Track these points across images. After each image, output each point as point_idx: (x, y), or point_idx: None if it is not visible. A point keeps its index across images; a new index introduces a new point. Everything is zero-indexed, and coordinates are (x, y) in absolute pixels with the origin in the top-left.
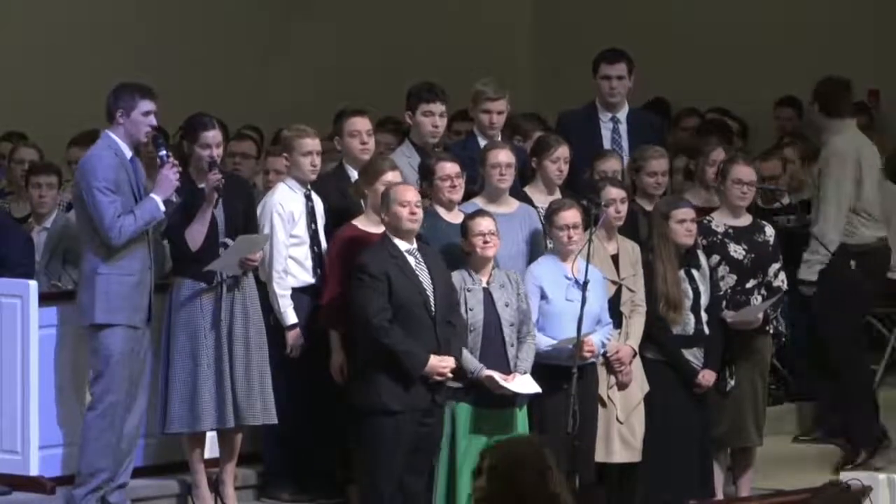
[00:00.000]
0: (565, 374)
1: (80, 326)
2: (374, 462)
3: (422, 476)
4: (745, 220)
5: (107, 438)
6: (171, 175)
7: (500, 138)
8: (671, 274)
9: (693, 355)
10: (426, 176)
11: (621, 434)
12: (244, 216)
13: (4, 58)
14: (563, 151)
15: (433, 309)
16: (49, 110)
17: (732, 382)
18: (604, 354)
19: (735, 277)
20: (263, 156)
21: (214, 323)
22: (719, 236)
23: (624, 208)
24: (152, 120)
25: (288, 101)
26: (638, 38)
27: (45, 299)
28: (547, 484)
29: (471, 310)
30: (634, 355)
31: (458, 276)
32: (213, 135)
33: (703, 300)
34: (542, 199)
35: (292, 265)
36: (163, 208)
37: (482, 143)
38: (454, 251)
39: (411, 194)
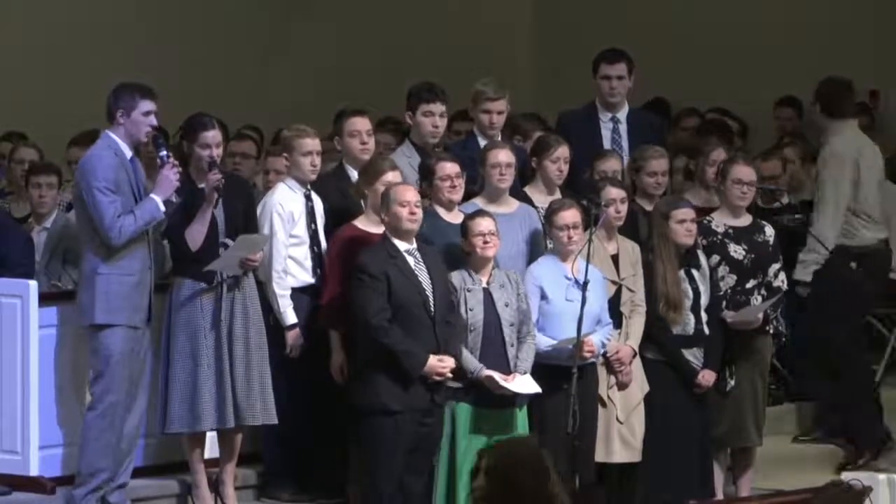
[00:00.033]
0: (565, 374)
1: (80, 326)
2: (374, 462)
3: (422, 476)
4: (745, 220)
5: (107, 438)
6: (171, 175)
7: (500, 138)
8: (671, 274)
9: (693, 355)
10: (426, 176)
11: (621, 434)
12: (244, 216)
13: (4, 58)
14: (563, 151)
15: (432, 309)
16: (49, 110)
17: (732, 382)
18: (604, 354)
19: (735, 277)
20: (263, 156)
21: (214, 323)
22: (719, 236)
23: (624, 208)
24: (152, 120)
25: (288, 101)
26: (638, 38)
27: (45, 299)
28: (545, 484)
29: (471, 310)
30: (634, 355)
31: (458, 277)
32: (213, 135)
33: (703, 300)
34: (542, 199)
35: (292, 265)
36: (163, 208)
37: (482, 143)
38: (454, 251)
39: (411, 194)
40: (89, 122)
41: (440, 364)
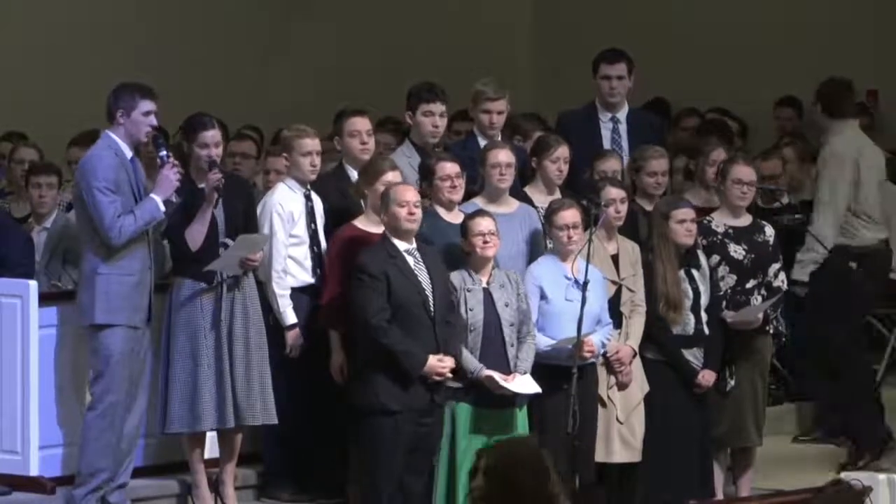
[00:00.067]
0: (565, 374)
1: (80, 326)
2: (374, 462)
3: (422, 476)
4: (745, 220)
5: (107, 438)
6: (171, 175)
7: (500, 138)
8: (671, 274)
9: (693, 355)
10: (426, 176)
11: (621, 434)
12: (244, 216)
13: (4, 58)
14: (562, 151)
15: (432, 309)
16: (49, 110)
17: (732, 382)
18: (604, 354)
19: (735, 277)
20: (263, 156)
21: (214, 323)
22: (719, 236)
23: (624, 208)
24: (152, 120)
25: (288, 101)
26: (638, 38)
27: (45, 299)
28: (544, 484)
29: (471, 310)
30: (634, 355)
31: (458, 276)
32: (213, 134)
33: (703, 300)
34: (541, 199)
35: (291, 265)
36: (163, 208)
37: (482, 143)
38: (454, 251)
39: (410, 194)
40: (89, 122)
41: (440, 364)
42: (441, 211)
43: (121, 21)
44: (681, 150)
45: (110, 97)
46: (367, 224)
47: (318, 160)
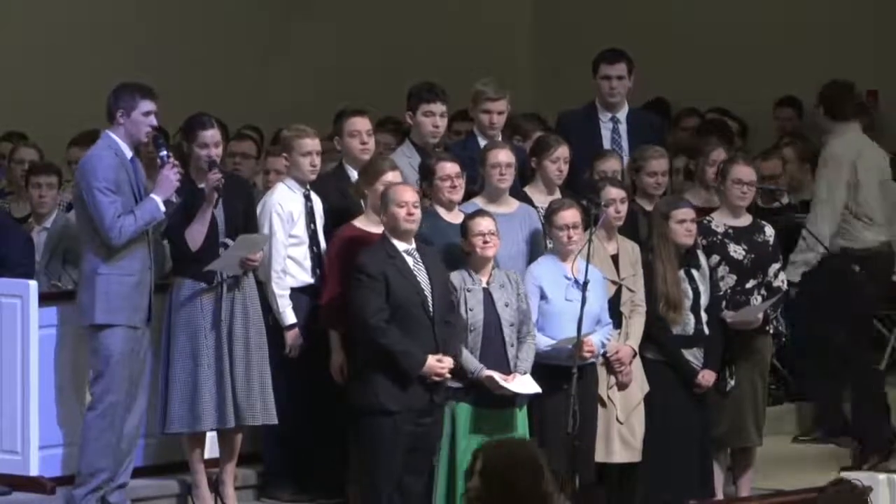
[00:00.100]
0: (565, 374)
1: (80, 326)
2: (373, 462)
3: (421, 476)
4: (745, 220)
5: (107, 438)
6: (171, 175)
7: (500, 138)
8: (671, 274)
9: (693, 355)
10: (426, 176)
11: (621, 434)
12: (244, 216)
13: (4, 58)
14: (562, 151)
15: (431, 309)
16: (49, 110)
17: (732, 382)
18: (604, 354)
19: (735, 277)
20: (263, 156)
21: (214, 323)
22: (719, 236)
23: (624, 208)
24: (153, 120)
25: (288, 101)
26: (638, 38)
27: (45, 299)
28: (540, 484)
29: (471, 310)
30: (634, 355)
31: (457, 277)
32: (212, 134)
33: (703, 300)
34: (541, 199)
35: (291, 265)
36: (163, 209)
37: (482, 143)
38: (454, 251)
39: (409, 195)
40: (89, 122)
41: (439, 364)
42: (441, 211)
43: (121, 21)
44: (681, 150)
45: (110, 97)
46: (367, 224)
47: (317, 160)
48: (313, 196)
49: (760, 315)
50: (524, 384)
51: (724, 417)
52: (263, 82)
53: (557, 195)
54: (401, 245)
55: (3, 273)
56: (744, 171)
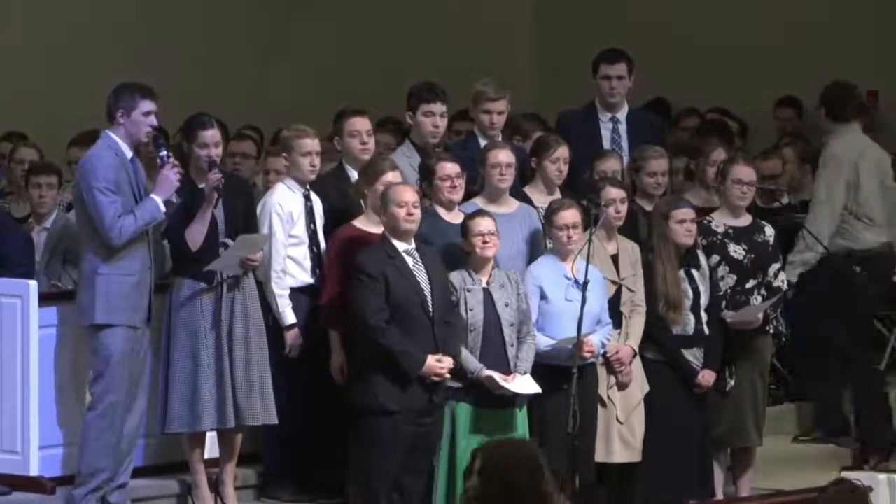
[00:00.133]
0: (565, 374)
1: (80, 326)
2: (370, 462)
3: (421, 476)
4: (745, 220)
5: (107, 438)
6: (171, 175)
7: (500, 138)
8: (671, 274)
9: (693, 355)
10: (426, 176)
11: (621, 434)
12: (244, 216)
13: (4, 58)
14: (562, 152)
15: (431, 309)
16: (49, 110)
17: (732, 382)
18: (604, 354)
19: (735, 277)
20: (263, 156)
21: (214, 323)
22: (719, 236)
23: (624, 208)
24: (153, 120)
25: (288, 101)
26: (638, 38)
27: (45, 299)
28: (539, 484)
29: (471, 310)
30: (634, 355)
31: (457, 277)
32: (211, 134)
33: (703, 300)
34: (541, 199)
35: (291, 265)
36: (163, 209)
37: (482, 143)
38: (454, 251)
39: (409, 195)
40: (89, 122)
41: (438, 365)
42: (441, 211)
43: (121, 21)
44: (681, 150)
45: (110, 97)
46: (367, 224)
47: (317, 160)
48: (313, 196)
49: (760, 315)
50: (524, 384)
51: (724, 417)
52: (263, 82)
53: (557, 195)
54: (400, 245)
55: (3, 273)
56: (744, 171)
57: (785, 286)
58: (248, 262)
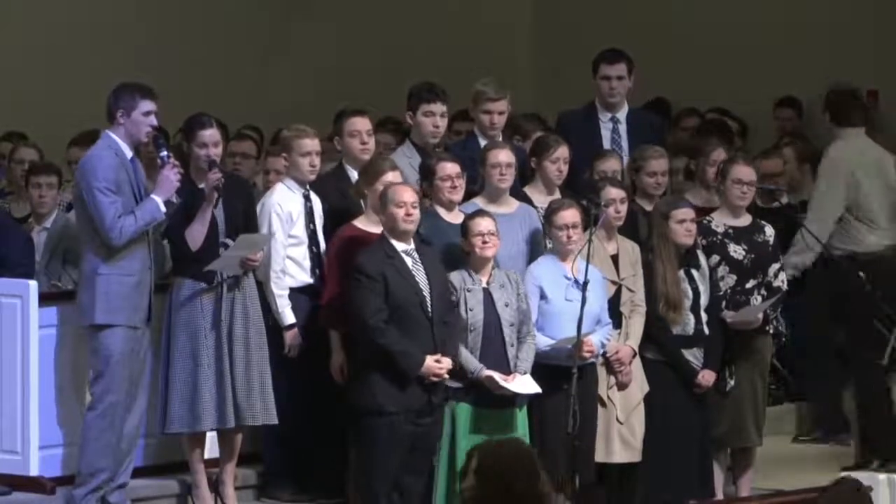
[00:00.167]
0: (565, 374)
1: (80, 326)
2: (370, 462)
3: (421, 476)
4: (745, 220)
5: (107, 438)
6: (171, 176)
7: (500, 138)
8: (671, 274)
9: (693, 355)
10: (427, 176)
11: (621, 434)
12: (244, 216)
13: (4, 58)
14: (562, 152)
15: (430, 309)
16: (49, 110)
17: (732, 382)
18: (603, 354)
19: (735, 277)
20: (263, 156)
21: (215, 323)
22: (719, 236)
23: (624, 208)
24: (153, 120)
25: (288, 101)
26: (638, 38)
27: (45, 299)
28: (535, 484)
29: (471, 310)
30: (634, 355)
31: (457, 277)
32: (211, 134)
33: (703, 300)
34: (541, 199)
35: (290, 265)
36: (163, 209)
37: (482, 143)
38: (454, 251)
39: (408, 195)
40: (89, 122)
41: (437, 365)
42: (441, 211)
43: (121, 21)
44: (681, 150)
45: (110, 97)
46: (367, 224)
47: (317, 160)
48: (312, 196)
49: (760, 315)
50: (524, 384)
51: (724, 417)
52: (263, 82)
53: (557, 195)
54: (399, 245)
55: (3, 273)
56: (744, 171)
57: (785, 286)
58: (248, 262)
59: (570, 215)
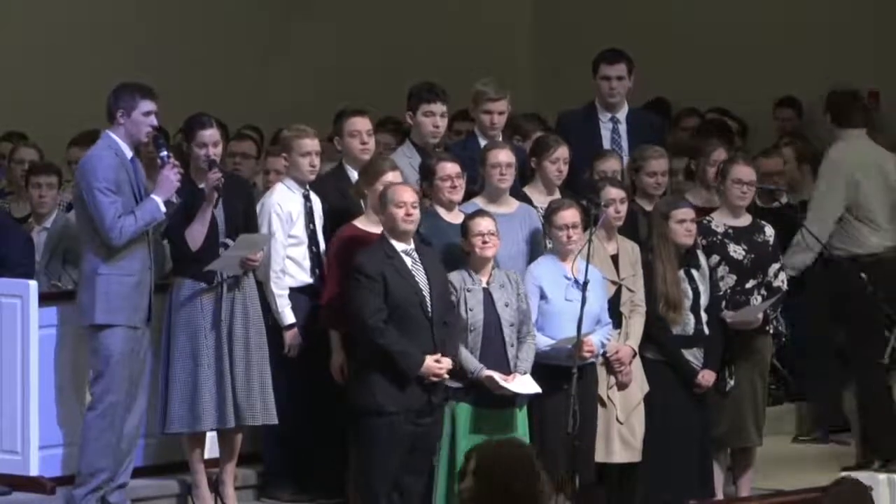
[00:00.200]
0: (565, 374)
1: (80, 326)
2: (369, 462)
3: (421, 476)
4: (745, 220)
5: (107, 438)
6: (171, 176)
7: (500, 138)
8: (671, 274)
9: (693, 355)
10: (427, 176)
11: (621, 434)
12: (244, 216)
13: (4, 58)
14: (562, 152)
15: (430, 309)
16: (49, 110)
17: (732, 382)
18: (603, 354)
19: (735, 277)
20: (263, 156)
21: (214, 323)
22: (719, 236)
23: (624, 208)
24: (153, 120)
25: (288, 101)
26: (638, 38)
27: (45, 299)
28: (533, 484)
29: (471, 310)
30: (634, 355)
31: (457, 277)
32: (210, 133)
33: (703, 300)
34: (541, 199)
35: (290, 265)
36: (163, 209)
37: (482, 143)
38: (454, 251)
39: (408, 195)
40: (89, 122)
41: (437, 365)
42: (441, 211)
43: (121, 21)
44: (681, 150)
45: (110, 97)
46: (368, 224)
47: (317, 160)
48: (312, 196)
49: (760, 315)
50: (524, 384)
51: (724, 417)
52: (263, 82)
53: (557, 195)
54: (399, 245)
55: (3, 273)
56: (744, 171)
57: (785, 286)
58: (248, 262)
59: (570, 215)
